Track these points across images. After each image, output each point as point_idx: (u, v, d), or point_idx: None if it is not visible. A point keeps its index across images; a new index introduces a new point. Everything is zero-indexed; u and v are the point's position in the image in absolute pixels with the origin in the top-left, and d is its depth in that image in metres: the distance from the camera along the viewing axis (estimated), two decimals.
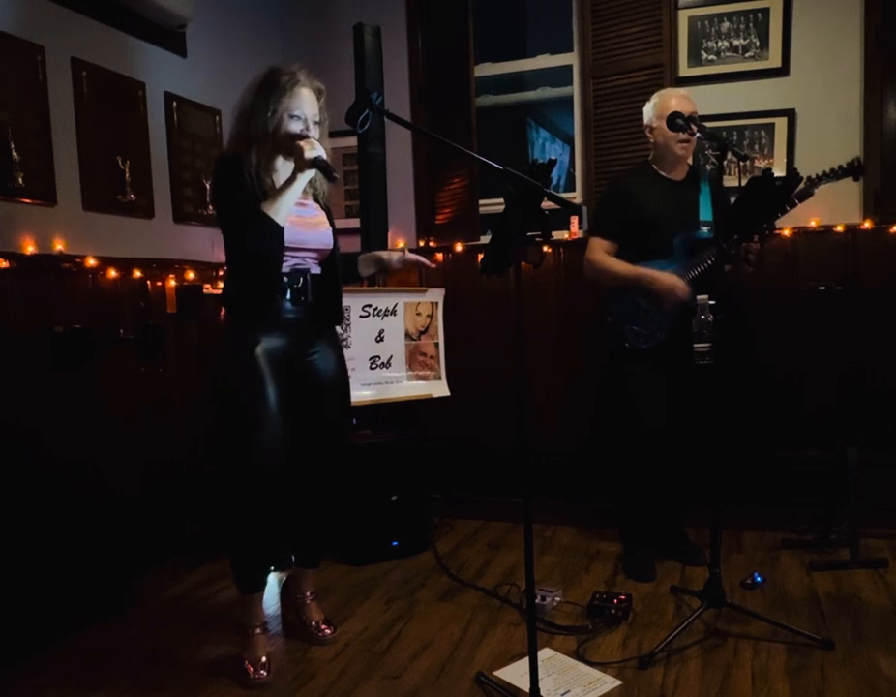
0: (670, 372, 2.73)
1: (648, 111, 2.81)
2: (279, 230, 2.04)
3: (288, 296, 2.17)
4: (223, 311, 2.30)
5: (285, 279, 2.16)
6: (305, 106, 2.13)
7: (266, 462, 2.14)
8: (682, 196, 2.75)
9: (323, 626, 2.40)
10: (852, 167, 2.60)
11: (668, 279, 2.65)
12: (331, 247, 2.28)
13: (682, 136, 2.66)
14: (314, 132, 2.15)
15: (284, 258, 2.14)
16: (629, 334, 2.79)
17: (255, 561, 2.25)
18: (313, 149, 2.05)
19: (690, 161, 2.88)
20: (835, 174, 2.59)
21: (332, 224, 2.32)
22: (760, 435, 3.22)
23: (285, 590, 2.50)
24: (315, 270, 2.25)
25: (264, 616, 2.31)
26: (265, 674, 2.17)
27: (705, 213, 2.67)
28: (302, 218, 2.20)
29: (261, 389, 2.13)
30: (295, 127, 2.11)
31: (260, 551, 2.25)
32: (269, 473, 2.15)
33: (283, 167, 2.17)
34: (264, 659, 2.20)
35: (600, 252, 2.82)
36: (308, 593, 2.44)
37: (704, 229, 2.66)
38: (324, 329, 2.34)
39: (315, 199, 2.31)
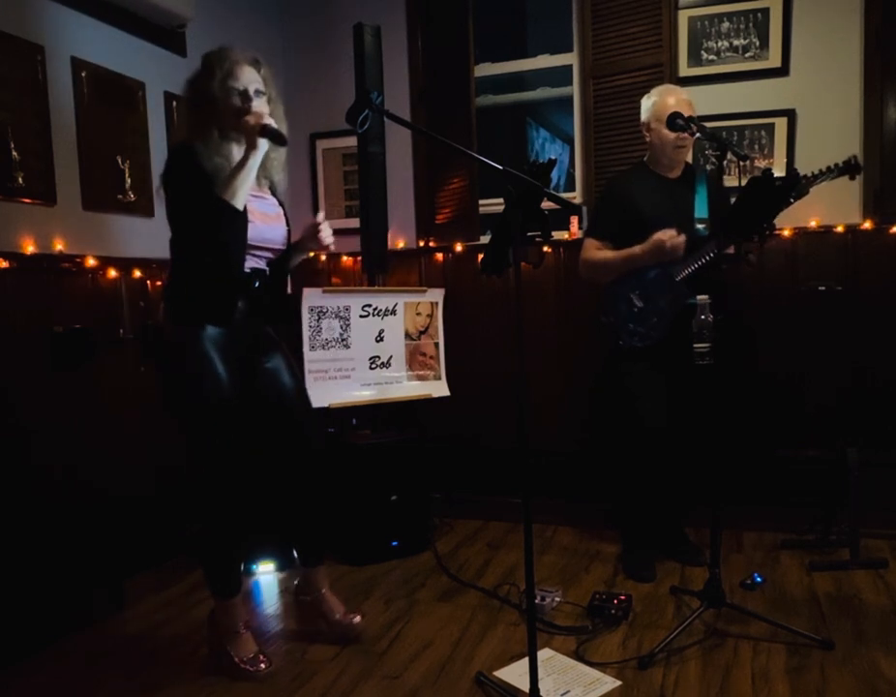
0: (669, 372, 2.73)
1: (646, 110, 2.79)
2: (238, 216, 1.98)
3: (244, 296, 2.12)
4: (162, 312, 2.14)
5: (244, 279, 2.11)
6: (242, 77, 2.07)
7: (232, 468, 2.14)
8: (678, 195, 2.74)
9: (350, 615, 2.36)
10: (848, 166, 2.53)
11: (648, 244, 2.62)
12: (284, 247, 2.24)
13: (679, 141, 2.66)
14: (259, 102, 2.08)
15: (245, 257, 2.08)
16: (623, 332, 2.78)
17: (233, 564, 2.25)
18: (260, 119, 2.00)
19: (689, 159, 2.88)
20: (831, 173, 2.56)
21: (288, 221, 2.26)
22: (760, 435, 3.22)
23: (300, 593, 2.43)
24: (265, 269, 2.20)
25: (246, 614, 2.30)
26: (264, 666, 2.18)
27: (701, 210, 2.67)
28: (266, 215, 2.16)
29: (223, 395, 2.08)
30: (236, 101, 2.06)
31: (236, 553, 2.25)
32: (236, 477, 2.15)
33: (239, 150, 2.09)
34: (259, 652, 2.20)
35: (592, 250, 2.83)
36: (323, 590, 2.39)
37: (700, 227, 2.66)
38: (270, 331, 2.30)
39: (273, 193, 2.25)
